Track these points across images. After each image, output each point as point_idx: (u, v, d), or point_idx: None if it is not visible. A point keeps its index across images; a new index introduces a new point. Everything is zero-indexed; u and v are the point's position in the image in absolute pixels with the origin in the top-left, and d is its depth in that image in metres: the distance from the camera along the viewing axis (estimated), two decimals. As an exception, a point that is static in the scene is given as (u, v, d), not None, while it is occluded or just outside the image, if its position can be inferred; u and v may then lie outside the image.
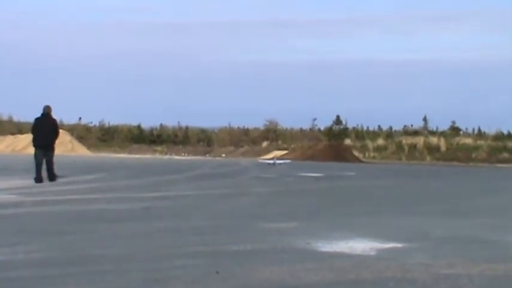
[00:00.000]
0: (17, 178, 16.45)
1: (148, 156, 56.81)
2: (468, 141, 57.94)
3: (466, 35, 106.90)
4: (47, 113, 15.82)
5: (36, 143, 15.73)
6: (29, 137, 60.23)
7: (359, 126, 71.04)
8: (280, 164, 34.66)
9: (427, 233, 7.04)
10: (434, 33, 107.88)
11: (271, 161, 37.04)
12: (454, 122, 64.88)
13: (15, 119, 77.37)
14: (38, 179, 14.91)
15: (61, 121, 62.71)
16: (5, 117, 77.28)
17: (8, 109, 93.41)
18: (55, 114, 16.48)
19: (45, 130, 15.61)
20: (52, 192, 12.06)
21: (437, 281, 4.51)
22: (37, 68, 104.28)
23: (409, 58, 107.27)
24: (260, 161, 41.60)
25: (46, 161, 15.40)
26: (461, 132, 63.93)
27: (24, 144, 57.96)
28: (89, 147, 62.94)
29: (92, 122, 78.53)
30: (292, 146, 64.06)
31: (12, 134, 65.25)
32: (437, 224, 7.97)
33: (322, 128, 71.13)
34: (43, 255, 5.27)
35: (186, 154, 64.32)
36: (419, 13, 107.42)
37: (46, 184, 14.41)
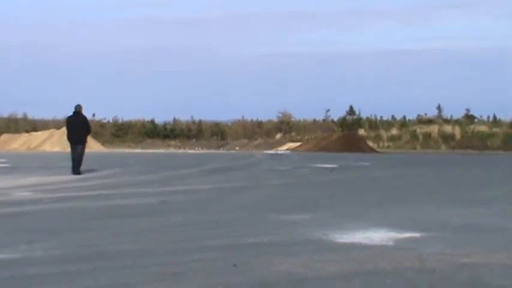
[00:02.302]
0: (33, 175, 16.56)
1: (162, 150, 56.98)
2: (483, 128, 57.53)
3: (479, 23, 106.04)
4: (78, 111, 17.21)
5: (69, 139, 17.31)
6: (43, 135, 60.87)
7: (372, 116, 70.76)
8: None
9: (445, 222, 7.00)
10: (448, 22, 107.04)
11: (273, 152, 43.58)
12: (468, 110, 64.45)
13: (30, 116, 77.95)
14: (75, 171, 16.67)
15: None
16: (19, 115, 77.83)
17: (23, 107, 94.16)
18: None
19: (77, 127, 17.05)
20: (68, 189, 12.12)
21: (456, 271, 4.48)
22: (51, 66, 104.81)
23: (422, 47, 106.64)
24: (266, 152, 46.18)
25: (76, 155, 16.90)
26: (476, 120, 63.46)
27: (39, 142, 58.33)
28: (103, 143, 63.20)
29: (105, 118, 78.87)
30: (306, 137, 63.97)
31: (27, 131, 65.66)
32: (455, 213, 7.92)
33: (335, 119, 70.94)
34: (61, 251, 5.29)
35: (199, 148, 64.43)
36: (432, 1, 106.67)
37: (62, 181, 14.50)
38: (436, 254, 5.06)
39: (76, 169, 16.68)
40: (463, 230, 6.55)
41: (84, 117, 17.36)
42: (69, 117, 17.40)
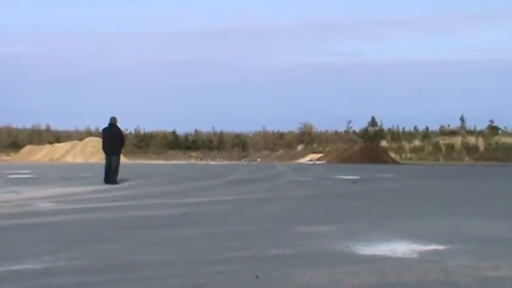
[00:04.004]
0: (56, 186, 16.68)
1: (183, 162, 57.15)
2: (508, 140, 56.93)
3: (504, 34, 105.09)
4: (113, 123, 17.83)
5: (105, 149, 17.86)
6: (66, 146, 61.33)
7: (395, 127, 70.39)
8: (316, 164, 38.94)
9: (469, 234, 6.91)
10: (472, 33, 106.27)
11: (311, 162, 42.69)
12: (492, 121, 63.77)
13: (53, 128, 78.79)
14: (107, 181, 17.11)
15: (97, 129, 63.60)
16: (43, 127, 78.70)
17: (46, 118, 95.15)
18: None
19: (111, 138, 17.61)
20: (90, 200, 12.19)
21: (482, 284, 4.41)
22: (74, 78, 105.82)
23: (446, 58, 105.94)
24: (301, 160, 44.90)
25: (111, 166, 17.39)
26: (500, 131, 62.78)
27: (61, 153, 58.86)
28: (125, 154, 63.34)
29: (127, 129, 79.35)
30: (328, 148, 63.79)
31: (50, 143, 66.30)
32: (479, 225, 7.82)
33: (357, 130, 70.68)
34: (84, 262, 5.31)
35: (221, 159, 64.53)
36: (456, 13, 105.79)
37: (84, 191, 14.59)
38: (462, 266, 4.99)
39: (112, 178, 17.19)
40: (488, 242, 6.45)
41: (119, 129, 17.97)
42: (105, 129, 18.02)
